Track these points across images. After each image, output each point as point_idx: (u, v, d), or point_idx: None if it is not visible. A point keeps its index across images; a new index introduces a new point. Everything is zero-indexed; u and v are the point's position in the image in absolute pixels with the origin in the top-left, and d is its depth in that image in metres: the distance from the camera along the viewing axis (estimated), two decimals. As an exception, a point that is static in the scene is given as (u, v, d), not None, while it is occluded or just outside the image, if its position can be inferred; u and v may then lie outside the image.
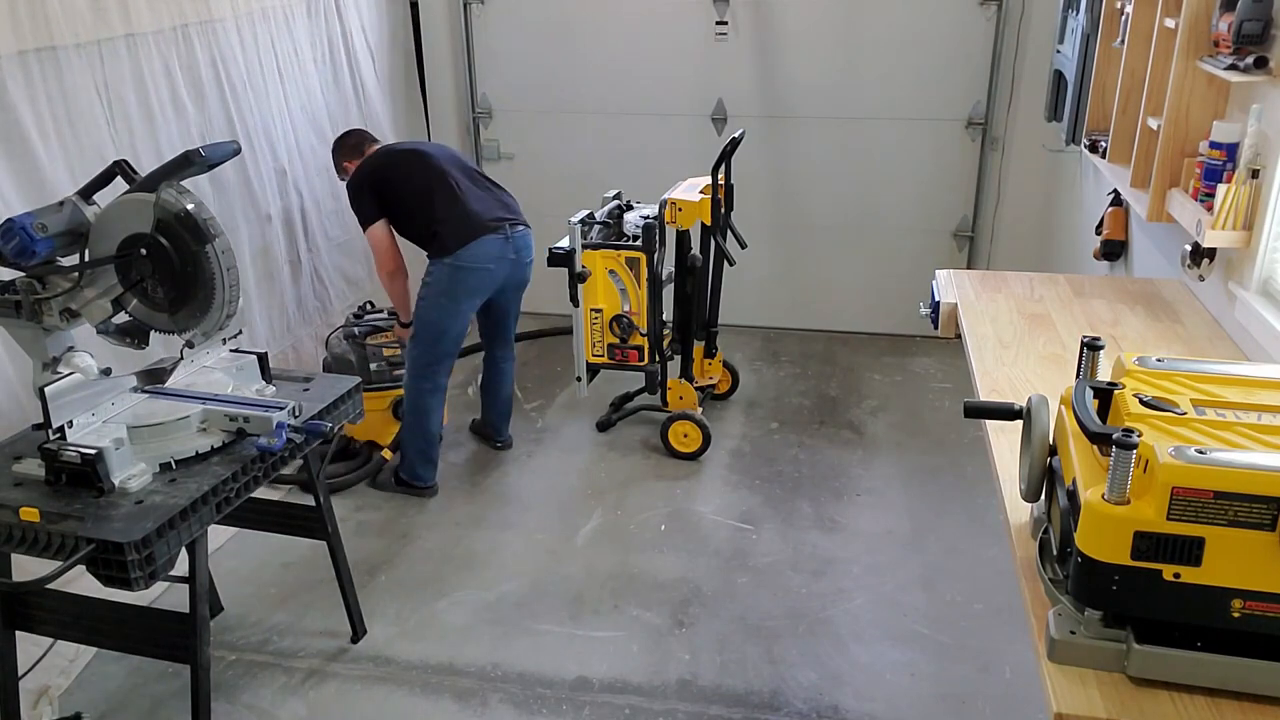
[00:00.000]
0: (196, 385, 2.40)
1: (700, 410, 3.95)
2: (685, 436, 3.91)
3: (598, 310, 3.79)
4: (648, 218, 3.77)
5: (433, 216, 3.46)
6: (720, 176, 3.79)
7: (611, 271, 3.75)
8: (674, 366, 4.01)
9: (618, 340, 3.80)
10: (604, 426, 4.16)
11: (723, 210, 3.83)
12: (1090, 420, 1.37)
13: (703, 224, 3.82)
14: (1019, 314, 2.57)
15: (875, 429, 4.15)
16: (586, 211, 3.84)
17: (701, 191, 3.81)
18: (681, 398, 3.93)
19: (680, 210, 3.73)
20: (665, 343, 3.92)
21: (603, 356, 3.86)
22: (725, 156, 3.80)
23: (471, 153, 5.26)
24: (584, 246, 3.70)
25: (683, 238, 3.90)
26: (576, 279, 3.69)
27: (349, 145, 3.74)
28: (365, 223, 3.54)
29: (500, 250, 3.51)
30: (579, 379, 3.91)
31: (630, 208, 3.98)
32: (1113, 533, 1.25)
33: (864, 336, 5.09)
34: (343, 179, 3.74)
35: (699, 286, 3.99)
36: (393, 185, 3.53)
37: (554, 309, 4.58)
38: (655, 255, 3.69)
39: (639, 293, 3.75)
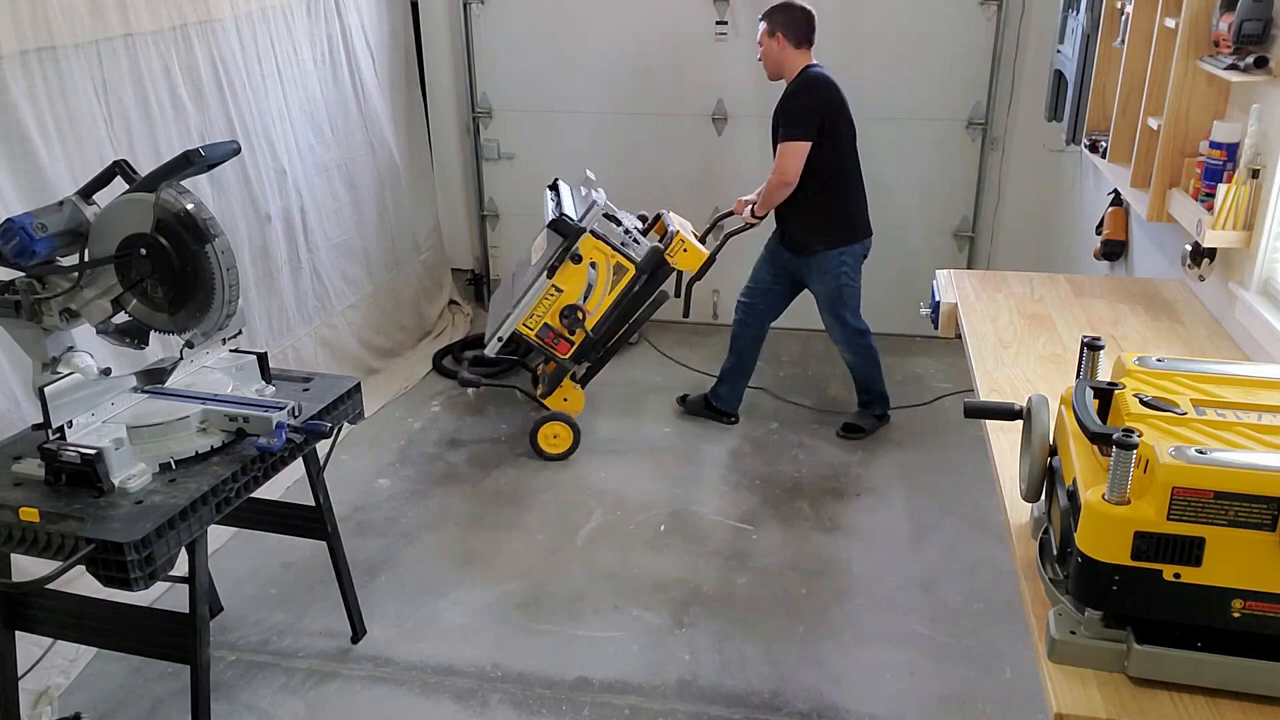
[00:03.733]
0: (196, 385, 2.40)
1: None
2: (555, 437, 3.92)
3: (559, 289, 3.76)
4: (659, 242, 3.82)
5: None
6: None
7: (593, 264, 3.76)
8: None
9: (559, 325, 3.79)
10: (467, 383, 4.14)
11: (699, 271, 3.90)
12: (1090, 420, 1.37)
13: (679, 271, 3.89)
14: (1019, 314, 2.57)
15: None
16: (614, 212, 3.86)
17: (699, 239, 3.90)
18: (566, 400, 3.94)
19: (685, 251, 3.80)
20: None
21: (532, 331, 3.82)
22: (715, 224, 4.00)
23: (471, 153, 5.27)
24: (593, 233, 3.70)
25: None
26: (568, 255, 3.69)
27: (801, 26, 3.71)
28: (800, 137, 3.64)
29: None
30: (497, 338, 3.84)
31: (647, 226, 4.05)
32: (1113, 533, 1.25)
33: (864, 336, 5.08)
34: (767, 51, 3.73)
35: (639, 317, 4.00)
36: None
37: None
38: (641, 276, 3.74)
39: (605, 297, 3.77)
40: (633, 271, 3.73)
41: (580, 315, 3.75)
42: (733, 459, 3.94)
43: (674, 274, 3.93)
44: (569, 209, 3.80)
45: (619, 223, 3.87)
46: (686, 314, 4.07)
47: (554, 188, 4.04)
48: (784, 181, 3.71)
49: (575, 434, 3.91)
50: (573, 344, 3.80)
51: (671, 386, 4.53)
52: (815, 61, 3.76)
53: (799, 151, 3.66)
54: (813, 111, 3.66)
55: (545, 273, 3.71)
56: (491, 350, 3.86)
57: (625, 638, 2.92)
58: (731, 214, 4.09)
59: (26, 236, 2.18)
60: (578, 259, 3.69)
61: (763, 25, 3.71)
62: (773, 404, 4.38)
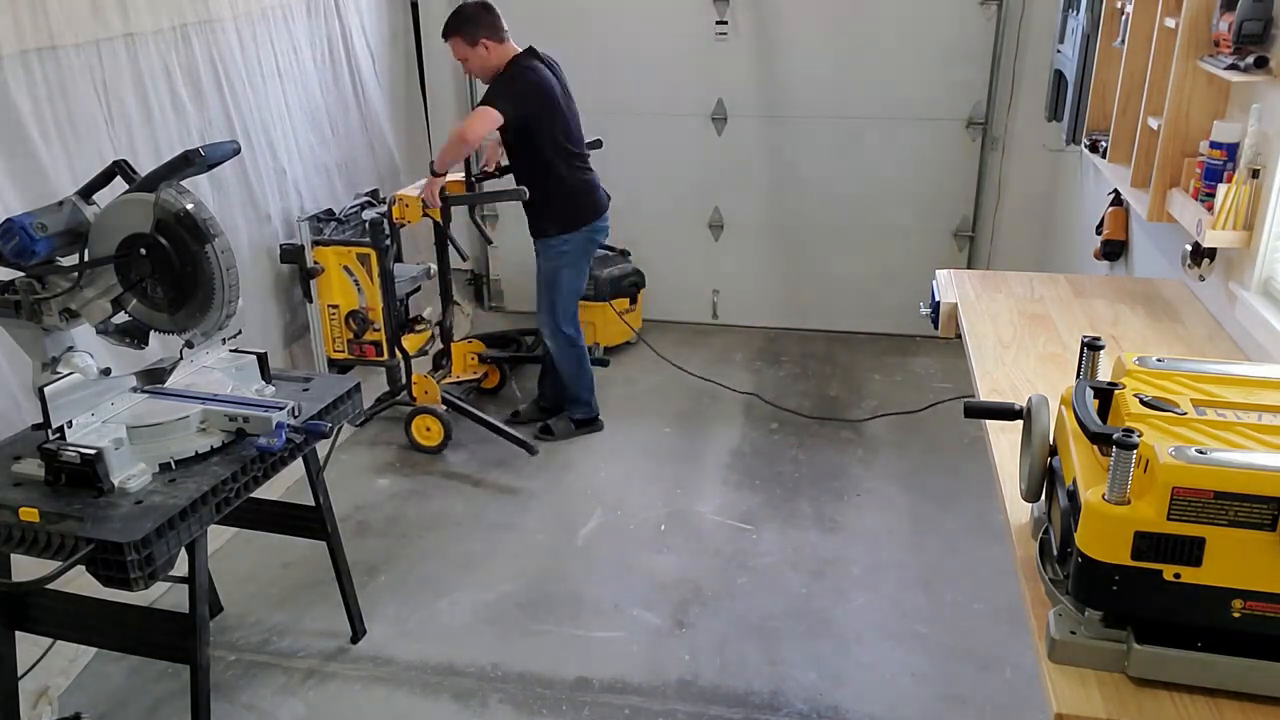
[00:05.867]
0: (196, 385, 2.40)
1: (445, 408, 3.95)
2: (428, 430, 3.96)
3: (334, 306, 3.86)
4: (380, 212, 3.85)
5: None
6: (457, 176, 3.84)
7: (347, 268, 3.81)
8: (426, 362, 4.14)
9: (353, 335, 3.87)
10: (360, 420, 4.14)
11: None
12: (1090, 420, 1.37)
13: (434, 221, 3.83)
14: (1019, 314, 2.57)
15: (875, 429, 4.15)
16: (325, 208, 3.96)
17: (450, 188, 3.83)
18: (426, 392, 3.94)
19: (406, 206, 3.75)
20: (420, 342, 4.02)
21: (343, 352, 3.92)
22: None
23: (471, 152, 5.25)
24: (315, 243, 3.80)
25: (442, 233, 3.91)
26: (307, 275, 3.79)
27: (485, 23, 3.61)
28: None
29: None
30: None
31: (379, 203, 4.09)
32: (1113, 533, 1.25)
33: (864, 336, 5.09)
34: (466, 56, 3.65)
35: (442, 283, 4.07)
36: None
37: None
38: (386, 251, 3.76)
39: (373, 289, 3.81)
40: (374, 251, 3.78)
41: (365, 315, 3.86)
42: (733, 459, 3.94)
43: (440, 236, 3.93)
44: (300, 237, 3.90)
45: (358, 217, 3.97)
46: (463, 257, 4.02)
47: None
48: (463, 138, 3.55)
49: (445, 427, 3.94)
50: (376, 345, 3.87)
51: (671, 386, 4.53)
52: (523, 47, 3.70)
53: (488, 118, 3.50)
54: (517, 97, 3.56)
55: (305, 299, 3.86)
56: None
57: (625, 638, 2.92)
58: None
59: (26, 236, 2.18)
60: (315, 273, 3.81)
61: (455, 39, 3.62)
62: (773, 404, 4.38)
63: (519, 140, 3.68)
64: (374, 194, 4.21)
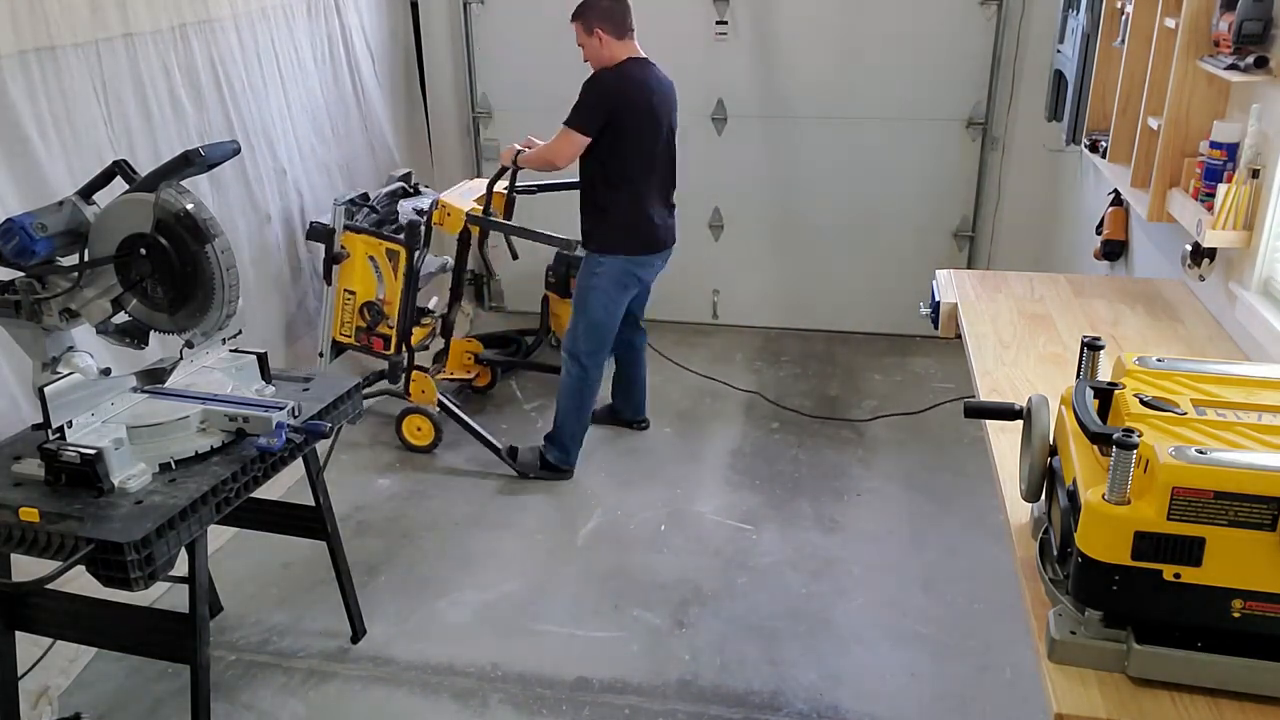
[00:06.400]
0: (196, 385, 2.40)
1: (438, 408, 3.93)
2: (419, 430, 3.95)
3: (351, 292, 3.79)
4: (421, 211, 3.79)
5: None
6: (502, 187, 3.79)
7: (373, 258, 3.75)
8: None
9: (365, 325, 3.80)
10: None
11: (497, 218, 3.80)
12: (1090, 420, 1.37)
13: (470, 233, 3.82)
14: (1019, 314, 2.57)
15: (875, 429, 4.15)
16: (361, 192, 3.88)
17: (477, 200, 3.80)
18: (424, 391, 3.93)
19: (449, 215, 3.72)
20: (421, 335, 3.95)
21: (349, 337, 3.86)
22: (505, 171, 3.77)
23: (471, 153, 5.26)
24: (347, 228, 3.72)
25: (465, 235, 3.89)
26: (331, 259, 3.73)
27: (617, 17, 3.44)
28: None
29: None
30: (320, 354, 3.89)
31: (414, 193, 4.00)
32: (1113, 533, 1.25)
33: (864, 336, 5.09)
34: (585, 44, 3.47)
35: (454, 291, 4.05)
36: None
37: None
38: (416, 253, 3.70)
39: (395, 284, 3.75)
40: (405, 251, 3.70)
41: (380, 309, 3.77)
42: (733, 459, 3.94)
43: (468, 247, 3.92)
44: (329, 215, 3.79)
45: (392, 206, 3.88)
46: (490, 274, 3.95)
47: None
48: (551, 163, 3.49)
49: (436, 428, 3.93)
50: (385, 339, 3.81)
51: (671, 386, 4.53)
52: (642, 55, 3.52)
53: (574, 144, 3.41)
54: (597, 107, 3.39)
55: (328, 283, 3.78)
56: (322, 368, 3.88)
57: (625, 637, 2.92)
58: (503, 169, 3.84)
59: (26, 236, 2.18)
60: (340, 258, 3.73)
61: (576, 24, 3.46)
62: (772, 404, 4.38)
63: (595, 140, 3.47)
64: (407, 177, 4.10)
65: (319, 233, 3.73)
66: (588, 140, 3.41)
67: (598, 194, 3.55)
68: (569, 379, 3.72)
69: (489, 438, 3.89)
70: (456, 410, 3.97)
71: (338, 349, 3.94)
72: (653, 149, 3.54)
